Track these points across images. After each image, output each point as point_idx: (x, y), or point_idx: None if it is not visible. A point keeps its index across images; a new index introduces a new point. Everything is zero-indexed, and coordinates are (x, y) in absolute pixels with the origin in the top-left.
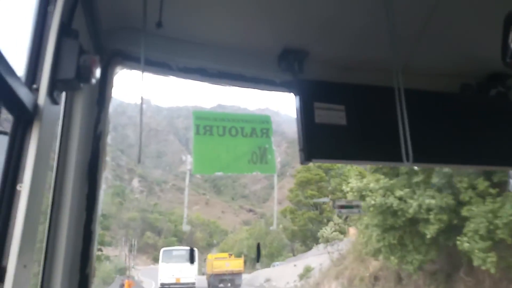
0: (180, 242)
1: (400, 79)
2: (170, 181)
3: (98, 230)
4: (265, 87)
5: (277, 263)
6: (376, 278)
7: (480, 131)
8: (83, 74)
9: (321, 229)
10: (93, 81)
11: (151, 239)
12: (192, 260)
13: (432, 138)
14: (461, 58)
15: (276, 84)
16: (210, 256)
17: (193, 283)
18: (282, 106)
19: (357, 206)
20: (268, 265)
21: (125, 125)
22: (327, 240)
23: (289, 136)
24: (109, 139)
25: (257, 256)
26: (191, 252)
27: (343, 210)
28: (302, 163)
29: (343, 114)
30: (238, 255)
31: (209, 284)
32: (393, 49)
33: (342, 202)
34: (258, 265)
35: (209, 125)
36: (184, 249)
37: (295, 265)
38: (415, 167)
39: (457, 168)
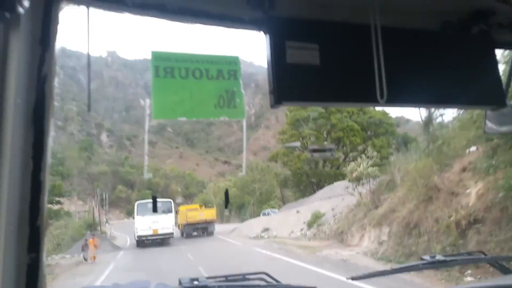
0: (155, 194)
1: (377, 16)
2: (140, 135)
3: (48, 180)
4: (232, 24)
5: (269, 210)
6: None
7: (459, 70)
8: (8, 1)
9: (347, 165)
10: (20, 10)
11: (124, 193)
12: (167, 210)
13: (408, 77)
14: None
15: (244, 22)
16: (183, 208)
17: (171, 233)
18: (256, 56)
19: (330, 150)
20: (257, 214)
21: (90, 79)
22: (358, 179)
23: (264, 88)
24: (57, 86)
25: (225, 203)
26: (154, 205)
27: (316, 154)
28: (272, 106)
29: (316, 54)
30: (221, 205)
31: (182, 233)
32: None
33: (315, 146)
34: (226, 210)
35: (170, 66)
36: (159, 201)
37: (298, 212)
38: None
39: (432, 107)
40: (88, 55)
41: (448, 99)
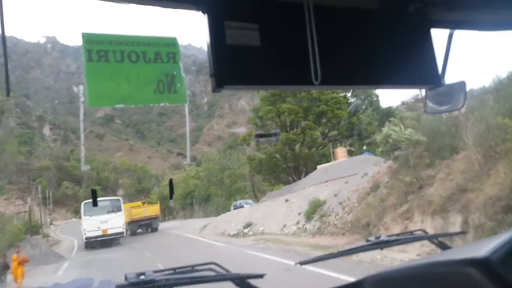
0: (105, 190)
1: None
2: (87, 127)
3: None
4: (168, 4)
5: (242, 202)
6: None
7: (396, 50)
8: None
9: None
10: None
11: (70, 190)
12: (116, 209)
13: (344, 58)
14: None
15: (181, 1)
16: (126, 205)
17: (122, 233)
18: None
19: (275, 134)
20: (226, 208)
21: (28, 68)
22: (394, 147)
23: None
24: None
25: (170, 193)
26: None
27: (261, 139)
28: (214, 90)
29: (256, 34)
30: (184, 198)
31: (126, 231)
32: None
33: (260, 131)
34: (171, 201)
35: (104, 49)
36: (107, 199)
37: (287, 200)
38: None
39: (368, 88)
40: (2, 29)
41: (384, 79)
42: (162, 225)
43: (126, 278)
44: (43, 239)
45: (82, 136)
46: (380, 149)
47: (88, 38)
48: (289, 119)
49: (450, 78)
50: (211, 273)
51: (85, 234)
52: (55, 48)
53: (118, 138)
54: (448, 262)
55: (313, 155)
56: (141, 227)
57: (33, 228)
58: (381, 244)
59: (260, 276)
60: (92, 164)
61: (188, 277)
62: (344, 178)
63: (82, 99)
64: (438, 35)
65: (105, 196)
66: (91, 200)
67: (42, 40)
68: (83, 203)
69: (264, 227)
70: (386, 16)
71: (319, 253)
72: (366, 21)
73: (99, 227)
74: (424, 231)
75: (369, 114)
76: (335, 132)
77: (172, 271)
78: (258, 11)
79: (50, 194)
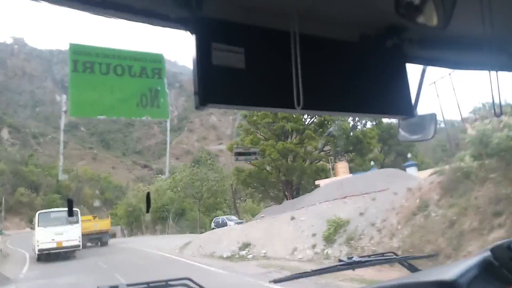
0: (65, 199)
1: (296, 23)
2: (49, 133)
3: None
4: (157, 22)
5: (224, 218)
6: None
7: (373, 81)
8: None
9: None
10: None
11: (26, 197)
12: (73, 221)
13: (324, 85)
14: (362, 8)
15: (170, 20)
16: None
17: (78, 245)
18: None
19: (254, 153)
20: (204, 224)
21: None
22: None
23: (188, 89)
24: None
25: (147, 207)
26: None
27: (241, 157)
28: (197, 108)
29: (242, 57)
30: (155, 212)
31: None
32: None
33: (240, 149)
34: (148, 215)
35: (90, 61)
36: (63, 210)
37: (293, 218)
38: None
39: (347, 115)
40: None
41: (362, 108)
42: (130, 241)
43: None
44: None
45: (62, 146)
46: (464, 153)
47: (75, 49)
48: (289, 126)
49: (422, 109)
50: None
51: (38, 245)
52: (22, 50)
53: (82, 146)
54: (417, 284)
55: (309, 169)
56: (91, 240)
57: None
58: (353, 265)
59: None
60: (52, 172)
61: None
62: (370, 194)
63: (64, 108)
64: (413, 70)
65: (64, 206)
66: (47, 210)
67: (9, 41)
68: (38, 213)
69: (267, 250)
70: (366, 49)
71: None
72: (347, 52)
73: (53, 239)
74: (394, 253)
75: (373, 128)
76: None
77: (145, 285)
78: (244, 36)
79: (2, 201)
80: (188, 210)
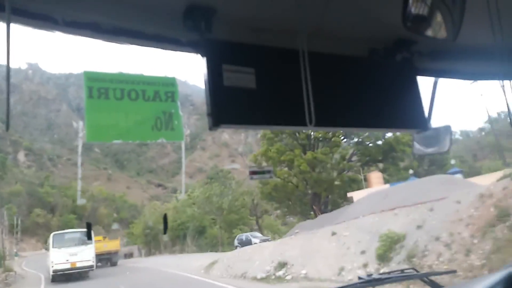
0: (80, 219)
1: (305, 41)
2: (64, 155)
3: None
4: (169, 46)
5: (249, 235)
6: None
7: (385, 96)
8: None
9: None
10: None
11: (42, 218)
12: (87, 241)
13: (335, 102)
14: (370, 23)
15: (181, 44)
16: None
17: (91, 266)
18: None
19: (269, 172)
20: (226, 242)
21: (4, 92)
22: None
23: (199, 108)
24: None
25: (164, 228)
26: (89, 232)
27: (255, 176)
28: (210, 128)
29: (252, 77)
30: (174, 230)
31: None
32: (300, 11)
33: (254, 169)
34: (165, 236)
35: (104, 87)
36: (77, 231)
37: (334, 234)
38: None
39: (360, 131)
40: (8, 69)
41: (375, 122)
42: (149, 260)
43: None
44: (3, 275)
45: (80, 171)
46: None
47: (90, 76)
48: (318, 133)
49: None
50: None
51: (52, 266)
52: (37, 75)
53: (96, 167)
54: None
55: (339, 180)
56: (100, 261)
57: None
58: (372, 282)
59: None
60: (67, 192)
61: None
62: (425, 204)
63: (80, 134)
64: (425, 82)
65: (80, 227)
66: (61, 231)
67: (24, 66)
68: (52, 234)
69: (307, 270)
70: (375, 64)
71: None
72: (357, 68)
73: (67, 260)
74: (415, 269)
75: (406, 134)
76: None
77: None
78: (254, 56)
79: (19, 222)
80: (208, 227)
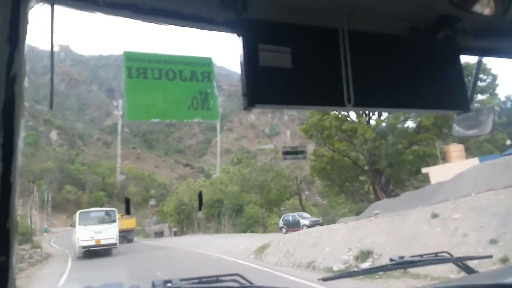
0: (110, 197)
1: (345, 20)
2: (94, 134)
3: (19, 181)
4: (205, 26)
5: (297, 215)
6: None
7: (426, 75)
8: None
9: None
10: None
11: (73, 194)
12: (111, 220)
13: (375, 82)
14: (411, 0)
15: (217, 24)
16: None
17: (115, 244)
18: (218, 57)
19: (302, 152)
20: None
21: (40, 74)
22: None
23: (226, 89)
24: (26, 82)
25: (199, 205)
26: (127, 207)
27: (288, 156)
28: (245, 108)
29: (289, 57)
30: (209, 208)
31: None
32: None
33: (287, 149)
34: (200, 213)
35: (143, 67)
36: (102, 210)
37: (435, 216)
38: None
39: (399, 111)
40: (52, 50)
41: (414, 103)
42: (183, 241)
43: (153, 285)
44: (30, 251)
45: (119, 148)
46: None
47: (129, 56)
48: None
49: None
50: (235, 285)
51: (78, 243)
52: (68, 57)
53: (126, 146)
54: (476, 286)
55: (411, 154)
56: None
57: (23, 236)
58: (404, 264)
59: None
60: (97, 170)
61: (212, 287)
62: None
63: (120, 112)
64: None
65: (109, 204)
66: (87, 209)
67: (56, 48)
68: (78, 212)
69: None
70: (417, 42)
71: None
72: (397, 47)
73: (92, 237)
74: (448, 253)
75: (491, 97)
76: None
77: (197, 281)
78: (291, 35)
79: (49, 198)
80: (246, 205)
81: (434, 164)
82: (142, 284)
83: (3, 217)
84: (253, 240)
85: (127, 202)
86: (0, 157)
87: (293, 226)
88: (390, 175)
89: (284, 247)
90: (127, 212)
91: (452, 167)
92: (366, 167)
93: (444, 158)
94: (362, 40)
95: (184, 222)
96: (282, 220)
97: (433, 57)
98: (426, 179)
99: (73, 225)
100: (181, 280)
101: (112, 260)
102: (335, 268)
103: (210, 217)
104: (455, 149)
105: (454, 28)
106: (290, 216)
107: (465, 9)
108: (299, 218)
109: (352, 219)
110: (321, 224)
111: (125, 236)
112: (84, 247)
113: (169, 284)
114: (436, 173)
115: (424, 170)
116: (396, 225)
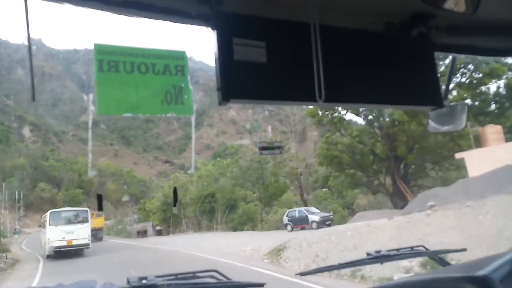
0: (87, 194)
1: (317, 14)
2: (70, 131)
3: None
4: (179, 19)
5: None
6: None
7: (399, 71)
8: None
9: None
10: None
11: (47, 192)
12: (83, 220)
13: (348, 77)
14: None
15: (191, 17)
16: None
17: (87, 244)
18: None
19: (278, 148)
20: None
21: (10, 68)
22: None
23: (205, 84)
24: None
25: (174, 200)
26: (100, 204)
27: (265, 152)
28: (219, 103)
29: (263, 51)
30: (197, 204)
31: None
32: None
33: (264, 144)
34: (174, 209)
35: (115, 60)
36: (74, 210)
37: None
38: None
39: (372, 107)
40: (29, 46)
41: (388, 99)
42: (174, 241)
43: (128, 282)
44: None
45: (90, 143)
46: None
47: (100, 49)
48: None
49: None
50: (212, 280)
51: (49, 243)
52: (41, 51)
53: (103, 142)
54: (448, 278)
55: (440, 137)
56: None
57: None
58: (381, 258)
59: (261, 285)
60: (74, 167)
61: (189, 283)
62: None
63: (91, 107)
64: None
65: (86, 202)
66: (58, 209)
67: (27, 42)
68: (49, 212)
69: None
70: (391, 39)
71: None
72: (371, 43)
73: (64, 237)
74: (424, 246)
75: None
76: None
77: (173, 277)
78: (265, 30)
79: (21, 197)
80: (240, 200)
81: (469, 149)
82: (116, 281)
83: None
84: (254, 239)
85: (99, 198)
86: None
87: (300, 222)
88: (411, 162)
89: (310, 249)
90: (100, 208)
91: (491, 152)
92: (382, 155)
93: (479, 142)
94: (335, 35)
95: (170, 220)
96: (286, 216)
97: (407, 53)
98: (460, 166)
99: (42, 225)
100: (157, 276)
101: (87, 262)
102: (395, 277)
103: (201, 214)
104: (493, 131)
105: (428, 25)
106: (296, 212)
107: (436, 6)
108: (307, 213)
109: (373, 213)
110: (331, 220)
111: (95, 234)
112: (55, 247)
113: (144, 281)
114: (473, 158)
115: (458, 155)
116: (468, 220)
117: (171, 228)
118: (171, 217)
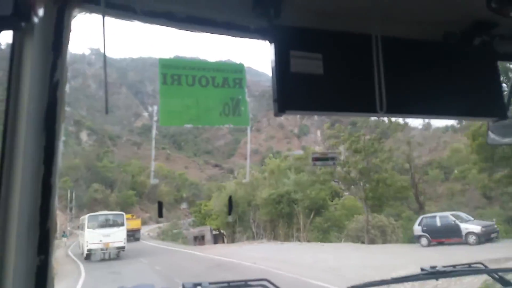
0: (140, 197)
1: (378, 26)
2: (124, 135)
3: (57, 183)
4: (238, 33)
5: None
6: None
7: (460, 81)
8: (23, 11)
9: None
10: (35, 19)
11: (100, 193)
12: (119, 223)
13: (409, 88)
14: (445, 5)
15: (250, 31)
16: None
17: (123, 247)
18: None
19: (332, 159)
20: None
21: (72, 77)
22: None
23: (253, 89)
24: (67, 88)
25: (229, 209)
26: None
27: (318, 163)
28: (275, 115)
29: (320, 63)
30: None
31: None
32: None
33: (317, 155)
34: (230, 217)
35: (177, 74)
36: (111, 213)
37: None
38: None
39: (432, 118)
40: (104, 57)
41: (448, 110)
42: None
43: (183, 287)
44: None
45: (153, 152)
46: None
47: (164, 63)
48: None
49: None
50: None
51: (87, 246)
52: (98, 60)
53: (155, 147)
54: None
55: None
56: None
57: None
58: (436, 275)
59: None
60: (127, 168)
61: None
62: None
63: (155, 118)
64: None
65: (139, 204)
66: (96, 213)
67: (87, 52)
68: (87, 215)
69: None
70: (451, 48)
71: None
72: (431, 53)
73: (101, 240)
74: (483, 264)
75: None
76: None
77: (226, 284)
78: (322, 41)
79: (73, 197)
80: (327, 203)
81: None
82: (172, 286)
83: (44, 218)
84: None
85: (160, 205)
86: (42, 160)
87: (445, 234)
88: None
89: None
90: (160, 215)
91: None
92: None
93: None
94: (396, 46)
95: (236, 225)
96: (419, 224)
97: (468, 62)
98: None
99: (81, 228)
100: (211, 283)
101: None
102: None
103: (277, 218)
104: None
105: (491, 34)
106: (437, 218)
107: (504, 15)
108: (457, 221)
109: None
110: (497, 232)
111: (133, 235)
112: (92, 249)
113: (199, 287)
114: None
115: None
116: None
117: (236, 234)
118: (236, 221)
